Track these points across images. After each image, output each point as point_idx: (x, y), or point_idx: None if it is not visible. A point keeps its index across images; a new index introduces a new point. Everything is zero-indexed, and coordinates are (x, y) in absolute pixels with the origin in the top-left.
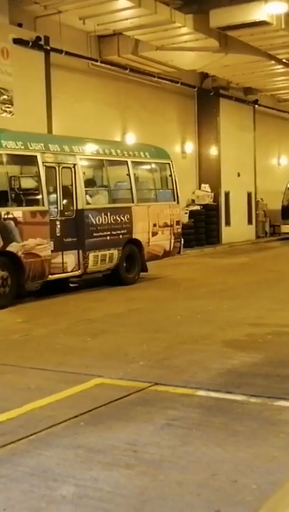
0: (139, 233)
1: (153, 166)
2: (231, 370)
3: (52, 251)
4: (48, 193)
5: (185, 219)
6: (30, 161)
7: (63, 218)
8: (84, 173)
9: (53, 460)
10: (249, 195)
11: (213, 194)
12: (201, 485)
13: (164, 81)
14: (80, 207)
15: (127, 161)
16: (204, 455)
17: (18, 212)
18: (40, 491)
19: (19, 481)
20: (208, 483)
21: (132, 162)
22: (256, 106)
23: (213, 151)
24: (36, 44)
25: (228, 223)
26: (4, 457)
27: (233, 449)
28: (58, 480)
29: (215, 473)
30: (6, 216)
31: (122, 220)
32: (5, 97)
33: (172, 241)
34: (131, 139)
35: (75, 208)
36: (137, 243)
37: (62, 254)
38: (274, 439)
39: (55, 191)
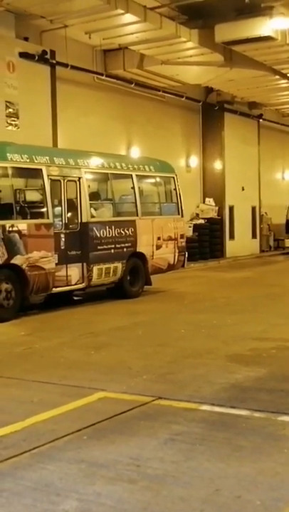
0: (144, 246)
1: (157, 179)
2: (235, 384)
3: (56, 264)
4: (53, 206)
5: (189, 232)
6: (35, 174)
7: (68, 231)
8: (89, 186)
9: (56, 474)
10: (253, 209)
11: (217, 208)
12: (205, 501)
13: (169, 95)
14: (84, 220)
15: (131, 175)
16: (208, 470)
17: (22, 225)
18: (42, 506)
19: (22, 495)
20: (212, 498)
21: (137, 176)
22: (261, 120)
23: (217, 165)
24: (42, 58)
25: (232, 237)
26: (7, 471)
27: (237, 464)
28: (60, 494)
29: (218, 488)
30: (10, 229)
31: (126, 233)
32: (11, 110)
33: (176, 254)
34: (136, 152)
35: (79, 221)
36: (141, 256)
37: (67, 267)
38: (278, 454)
39: (59, 204)
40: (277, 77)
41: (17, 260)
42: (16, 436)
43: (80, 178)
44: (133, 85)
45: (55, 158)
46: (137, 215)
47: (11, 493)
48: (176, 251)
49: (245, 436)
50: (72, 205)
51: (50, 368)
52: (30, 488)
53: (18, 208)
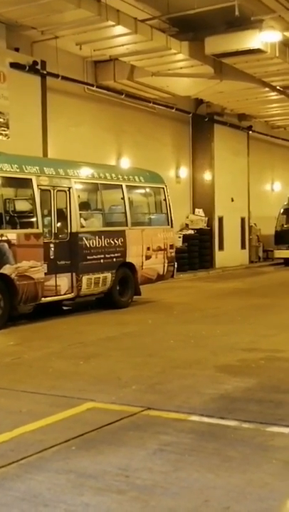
0: (133, 257)
1: (147, 190)
2: (224, 395)
3: (45, 273)
4: (43, 216)
5: (179, 243)
6: (25, 183)
7: (57, 241)
8: (78, 196)
9: (44, 485)
10: (242, 220)
11: (206, 219)
12: (194, 511)
13: (159, 106)
14: (74, 230)
15: (121, 185)
16: (196, 481)
17: (12, 235)
18: None
19: (9, 505)
20: (201, 509)
21: (127, 186)
22: (250, 132)
23: (207, 176)
24: (33, 68)
25: (221, 248)
26: None
27: (226, 475)
28: (48, 505)
29: (207, 499)
30: None
31: (115, 243)
32: (1, 120)
33: (166, 265)
34: (126, 163)
35: (69, 230)
36: (130, 266)
37: (56, 276)
38: (266, 465)
39: (49, 214)
40: (267, 89)
41: (6, 270)
42: (4, 447)
43: (69, 188)
44: (123, 96)
45: (45, 168)
46: (127, 226)
47: None
48: (166, 261)
49: (234, 446)
50: (62, 215)
51: (39, 378)
52: (18, 498)
53: (7, 217)
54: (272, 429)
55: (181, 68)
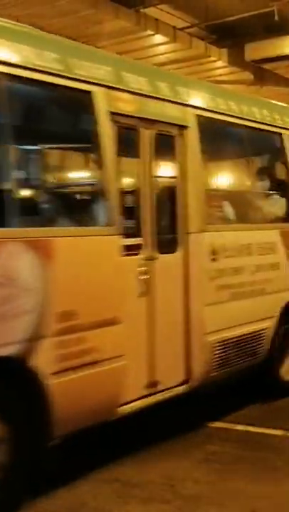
0: None
1: None
2: (269, 404)
3: None
4: None
5: None
6: None
7: None
8: None
9: (90, 494)
10: None
11: None
12: None
13: None
14: None
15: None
16: (243, 491)
17: None
18: None
19: None
20: None
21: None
22: None
23: None
24: None
25: None
26: (41, 490)
27: (272, 484)
28: None
29: (254, 509)
30: None
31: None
32: None
33: None
34: None
35: None
36: None
37: None
38: None
39: None
40: None
41: None
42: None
43: None
44: None
45: None
46: None
47: None
48: None
49: (280, 456)
50: None
51: None
52: (64, 507)
53: None
54: None
55: (220, 75)
